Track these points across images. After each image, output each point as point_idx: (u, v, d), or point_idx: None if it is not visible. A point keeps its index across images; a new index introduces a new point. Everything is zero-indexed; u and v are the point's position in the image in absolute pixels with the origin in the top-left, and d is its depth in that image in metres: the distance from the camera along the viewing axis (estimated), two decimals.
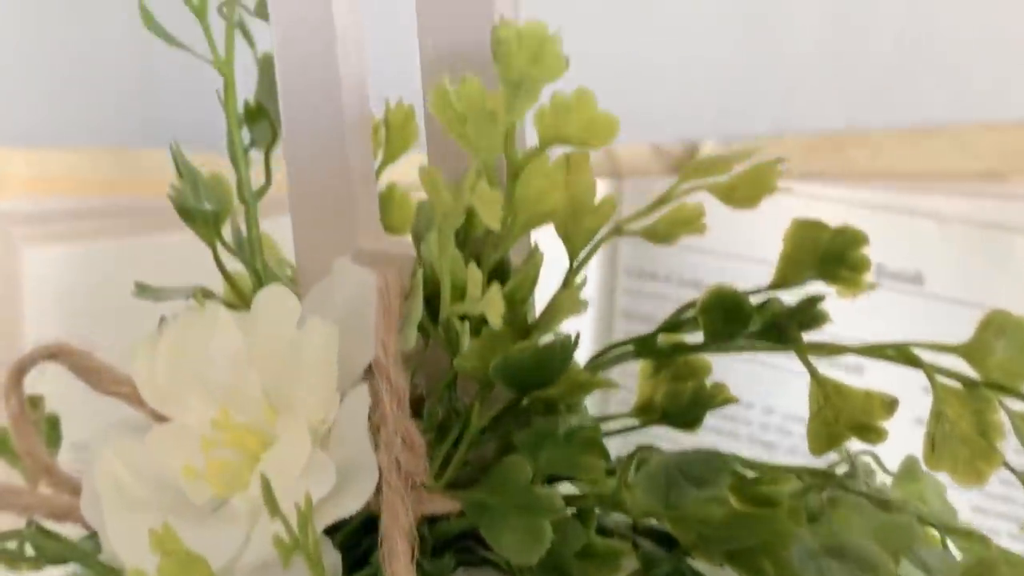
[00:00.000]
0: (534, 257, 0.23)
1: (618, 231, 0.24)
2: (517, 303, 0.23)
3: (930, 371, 0.25)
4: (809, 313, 0.23)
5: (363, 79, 0.29)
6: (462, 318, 0.22)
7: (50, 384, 0.29)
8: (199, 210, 0.27)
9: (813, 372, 0.25)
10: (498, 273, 0.23)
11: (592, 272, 0.53)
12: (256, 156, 0.31)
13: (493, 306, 0.20)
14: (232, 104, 0.30)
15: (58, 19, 0.64)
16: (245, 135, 0.31)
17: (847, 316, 0.46)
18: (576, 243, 0.23)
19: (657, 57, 0.55)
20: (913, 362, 0.25)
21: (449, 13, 0.24)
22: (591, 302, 0.52)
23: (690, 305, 0.24)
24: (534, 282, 0.23)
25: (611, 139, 0.22)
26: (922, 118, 0.50)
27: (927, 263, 0.45)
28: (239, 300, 0.29)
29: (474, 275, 0.21)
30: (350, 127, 0.28)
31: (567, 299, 0.22)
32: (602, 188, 0.54)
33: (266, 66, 0.32)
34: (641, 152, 0.55)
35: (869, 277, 0.24)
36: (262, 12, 0.33)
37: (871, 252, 0.46)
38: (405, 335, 0.23)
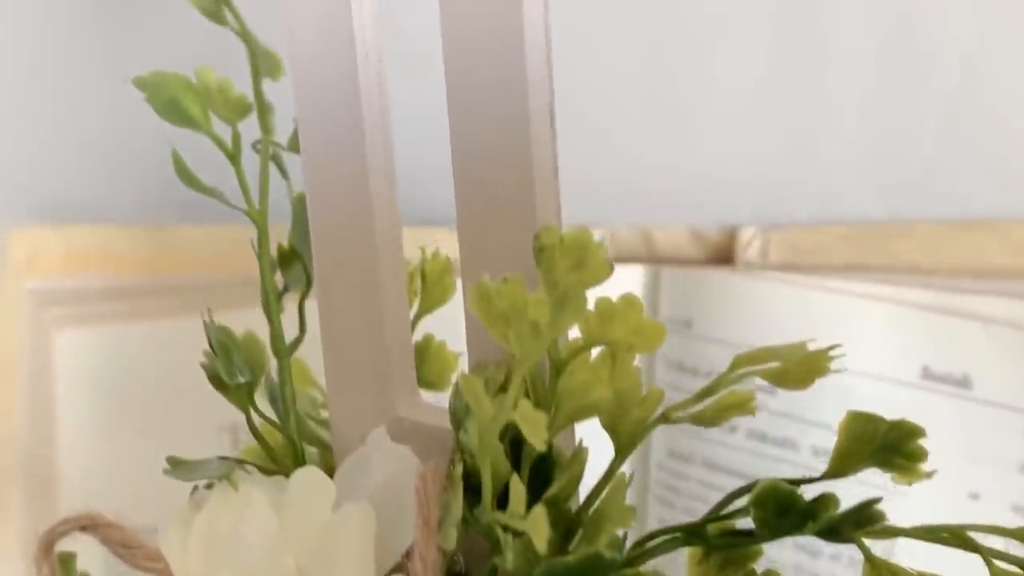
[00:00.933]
0: (579, 456, 0.22)
1: (665, 419, 0.23)
2: (561, 502, 0.22)
3: (987, 555, 0.24)
4: (865, 514, 0.22)
5: (396, 230, 0.28)
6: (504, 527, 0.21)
7: None
8: (233, 383, 0.26)
9: (867, 555, 0.24)
10: (541, 463, 0.23)
11: None
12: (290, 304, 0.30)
13: (538, 530, 0.19)
14: (265, 252, 0.30)
15: (92, 95, 0.64)
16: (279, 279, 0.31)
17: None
18: (623, 435, 0.23)
19: (696, 140, 0.54)
20: (969, 546, 0.24)
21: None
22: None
23: (740, 492, 0.24)
24: (578, 481, 0.22)
25: (658, 344, 0.21)
26: (965, 211, 0.49)
27: (975, 367, 0.44)
28: (274, 462, 0.28)
29: (517, 490, 0.20)
30: (385, 279, 0.28)
31: (614, 508, 0.21)
32: (638, 275, 0.53)
33: (299, 207, 0.31)
34: (679, 235, 0.54)
35: (926, 466, 0.23)
36: (295, 146, 0.32)
37: (917, 352, 0.45)
38: (445, 534, 0.22)
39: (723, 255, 0.53)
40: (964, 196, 0.49)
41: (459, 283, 0.26)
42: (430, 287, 0.29)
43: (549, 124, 0.22)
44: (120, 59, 0.64)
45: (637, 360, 0.52)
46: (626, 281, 0.52)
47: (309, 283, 0.30)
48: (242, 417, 0.45)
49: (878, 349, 0.46)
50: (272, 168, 0.32)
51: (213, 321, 0.28)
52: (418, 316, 0.29)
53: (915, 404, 0.45)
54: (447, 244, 0.54)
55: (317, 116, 0.27)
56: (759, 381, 0.48)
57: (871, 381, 0.46)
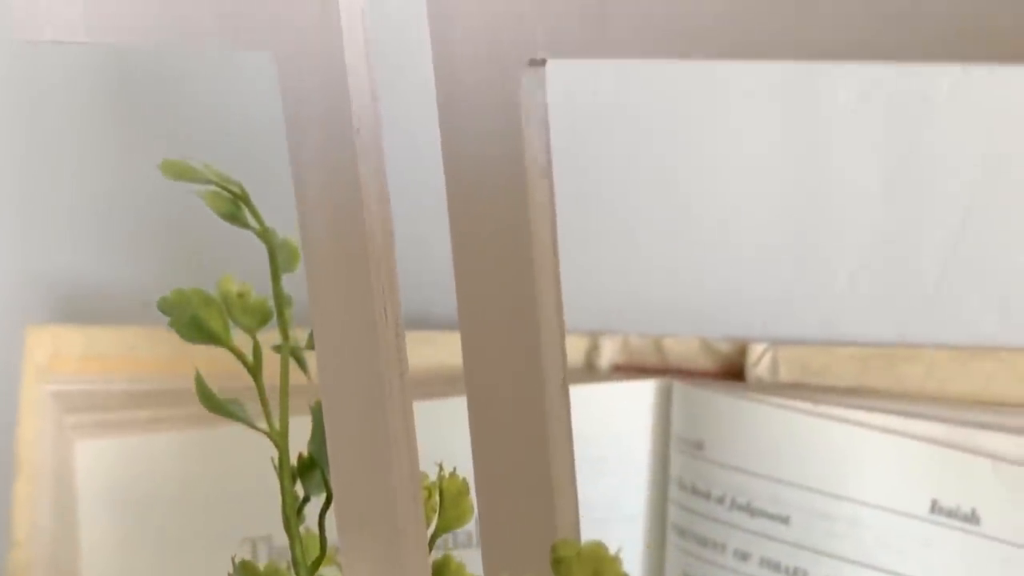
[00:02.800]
0: None
1: None
2: None
3: None
4: None
5: (411, 440, 0.29)
6: None
7: None
8: None
9: None
10: None
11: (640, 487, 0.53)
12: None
13: None
14: (286, 471, 0.30)
15: (112, 194, 0.65)
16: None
17: (904, 552, 0.46)
18: None
19: (710, 255, 0.55)
20: None
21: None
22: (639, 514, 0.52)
23: None
24: None
25: None
26: (971, 338, 0.49)
27: (983, 503, 0.45)
28: None
29: None
30: (402, 498, 0.28)
31: None
32: (650, 391, 0.54)
33: (318, 414, 0.32)
34: (690, 345, 0.55)
35: None
36: (313, 344, 0.33)
37: (926, 485, 0.46)
38: None
39: (734, 368, 0.54)
40: (969, 324, 0.49)
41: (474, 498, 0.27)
42: (447, 507, 0.30)
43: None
44: (147, 159, 0.64)
45: (650, 478, 0.53)
46: (638, 397, 0.53)
47: (329, 498, 0.31)
48: (263, 530, 0.45)
49: (888, 481, 0.47)
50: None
51: (235, 562, 0.29)
52: (435, 535, 0.30)
53: (923, 538, 0.46)
54: (445, 348, 0.55)
55: (331, 317, 0.27)
56: (773, 509, 0.49)
57: (881, 513, 0.47)
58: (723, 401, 0.50)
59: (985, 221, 0.48)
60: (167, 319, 0.66)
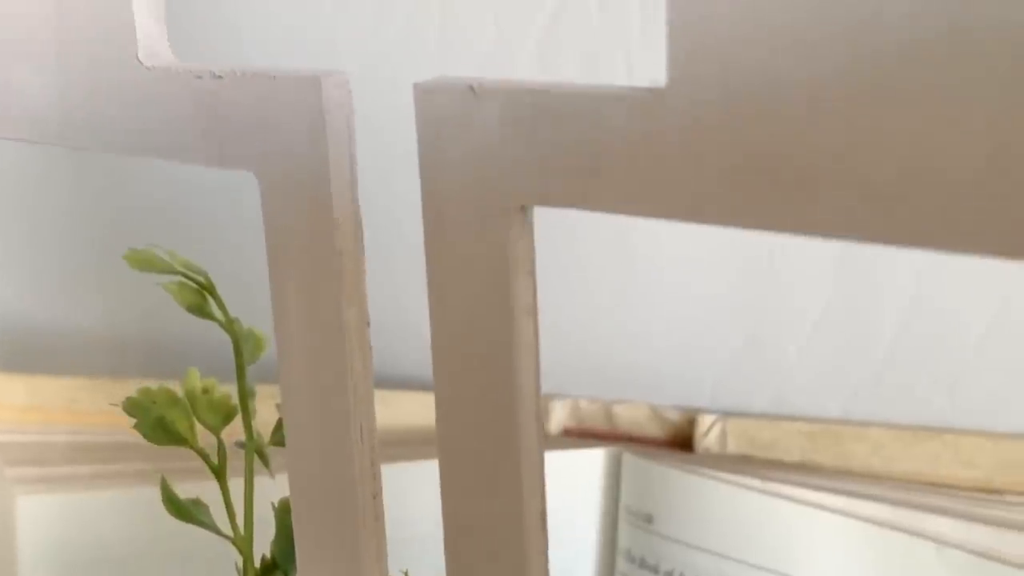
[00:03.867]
0: None
1: None
2: None
3: None
4: None
5: (382, 558, 0.29)
6: None
7: None
8: None
9: None
10: None
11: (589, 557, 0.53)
12: None
13: None
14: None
15: (57, 240, 0.64)
16: None
17: None
18: None
19: (660, 318, 0.56)
20: None
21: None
22: None
23: None
24: None
25: None
26: (917, 418, 0.50)
27: None
28: None
29: None
30: None
31: None
32: (599, 459, 0.54)
33: (284, 515, 0.32)
34: (640, 412, 0.55)
35: None
36: (278, 440, 0.33)
37: (871, 568, 0.47)
38: None
39: (682, 437, 0.55)
40: (917, 403, 0.50)
41: None
42: None
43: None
44: (94, 206, 0.64)
45: (599, 550, 0.53)
46: (588, 465, 0.53)
47: None
48: None
49: (833, 561, 0.47)
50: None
51: None
52: None
53: None
54: (417, 408, 0.55)
55: (306, 438, 0.27)
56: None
57: None
58: (673, 474, 0.50)
59: (934, 301, 0.49)
60: (110, 368, 0.65)
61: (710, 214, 0.20)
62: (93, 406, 0.61)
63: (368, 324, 0.25)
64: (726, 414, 0.53)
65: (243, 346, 0.34)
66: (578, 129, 0.21)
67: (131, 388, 0.61)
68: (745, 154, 0.20)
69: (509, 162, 0.22)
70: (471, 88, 0.22)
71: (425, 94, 0.23)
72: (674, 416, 0.55)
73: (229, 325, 0.33)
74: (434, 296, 0.23)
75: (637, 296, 0.55)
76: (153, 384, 0.62)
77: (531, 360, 0.23)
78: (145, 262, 0.33)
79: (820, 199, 0.19)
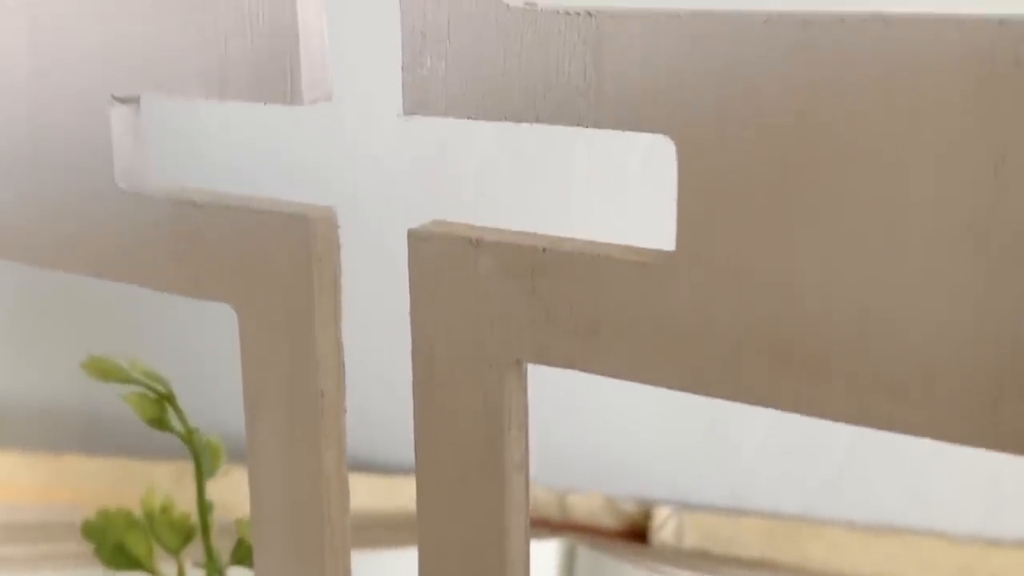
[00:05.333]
0: None
1: None
2: None
3: None
4: None
5: None
6: None
7: None
8: None
9: None
10: None
11: None
12: None
13: None
14: None
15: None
16: None
17: None
18: None
19: (619, 408, 0.55)
20: None
21: None
22: None
23: None
24: None
25: None
26: (876, 517, 0.50)
27: None
28: None
29: None
30: None
31: None
32: (553, 552, 0.53)
33: None
34: (595, 502, 0.54)
35: None
36: (242, 557, 0.32)
37: None
38: None
39: (638, 530, 0.54)
40: (876, 502, 0.50)
41: None
42: None
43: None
44: (34, 277, 0.62)
45: None
46: (541, 558, 0.52)
47: None
48: None
49: None
50: None
51: None
52: None
53: None
54: (405, 492, 0.54)
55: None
56: None
57: None
58: (629, 571, 0.50)
59: None
60: (50, 444, 0.63)
61: (713, 388, 0.20)
62: (32, 482, 0.59)
63: (346, 473, 0.24)
64: (683, 507, 0.53)
65: (203, 459, 0.32)
66: (579, 289, 0.21)
67: (70, 463, 0.59)
68: (752, 329, 0.19)
69: (506, 317, 0.21)
70: (470, 240, 0.22)
71: (420, 242, 0.22)
72: (630, 508, 0.54)
73: (189, 437, 0.32)
74: (421, 445, 0.22)
75: (594, 384, 0.55)
76: (92, 461, 0.60)
77: (521, 518, 0.22)
78: (104, 371, 0.32)
79: (829, 384, 0.19)
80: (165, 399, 0.32)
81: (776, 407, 0.19)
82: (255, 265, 0.24)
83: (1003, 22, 0.17)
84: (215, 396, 0.50)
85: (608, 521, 0.55)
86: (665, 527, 0.53)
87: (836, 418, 0.19)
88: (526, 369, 0.22)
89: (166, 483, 0.58)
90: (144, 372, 0.33)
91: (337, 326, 0.24)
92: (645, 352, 0.20)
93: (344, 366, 0.24)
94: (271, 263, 0.24)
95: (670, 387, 0.20)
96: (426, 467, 0.23)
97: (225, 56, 0.23)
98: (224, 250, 0.24)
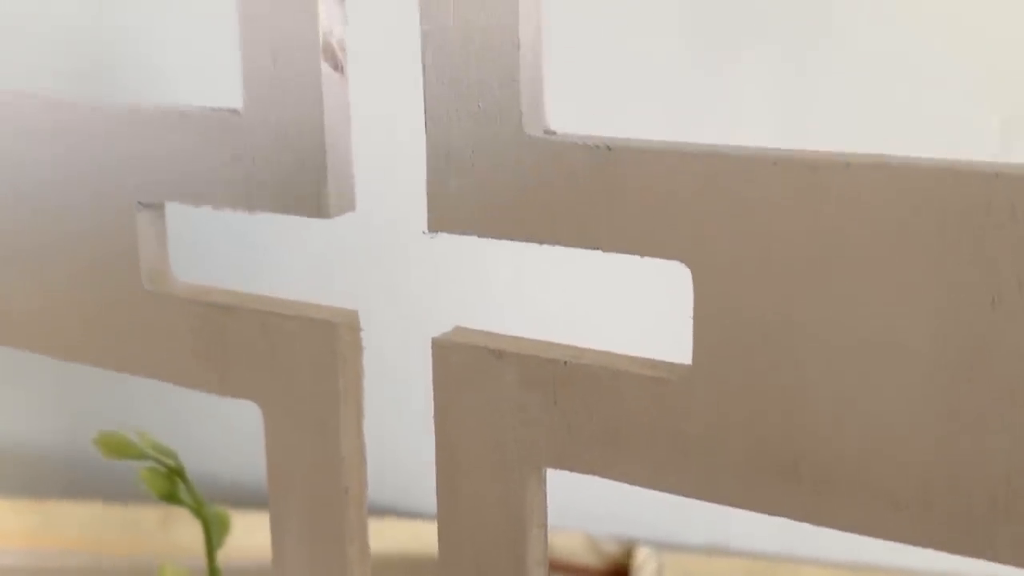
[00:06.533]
0: None
1: None
2: None
3: None
4: None
5: None
6: None
7: None
8: None
9: None
10: None
11: None
12: None
13: None
14: None
15: None
16: None
17: None
18: None
19: None
20: None
21: None
22: None
23: None
24: None
25: None
26: (854, 557, 0.52)
27: None
28: None
29: None
30: None
31: None
32: None
33: None
34: (576, 541, 0.56)
35: None
36: None
37: None
38: None
39: (619, 569, 0.55)
40: (854, 542, 0.52)
41: None
42: None
43: None
44: None
45: None
46: None
47: None
48: None
49: None
50: None
51: None
52: None
53: None
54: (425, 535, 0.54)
55: None
56: None
57: None
58: None
59: None
60: (34, 489, 0.63)
61: (727, 497, 0.21)
62: (18, 526, 0.60)
63: (369, 563, 0.25)
64: (664, 547, 0.54)
65: (212, 530, 0.33)
66: (599, 401, 0.22)
67: (56, 508, 0.59)
68: (764, 443, 0.21)
69: (528, 425, 0.23)
70: (493, 351, 0.23)
71: (443, 350, 0.23)
72: (611, 547, 0.55)
73: (199, 509, 0.33)
74: (444, 543, 0.24)
75: None
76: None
77: None
78: (116, 448, 0.33)
79: (836, 496, 0.20)
80: (175, 473, 0.33)
81: (787, 516, 0.21)
82: (280, 366, 0.25)
83: (999, 175, 0.18)
84: (191, 433, 0.51)
85: (589, 560, 0.56)
86: (646, 567, 0.54)
87: (842, 528, 0.20)
88: (546, 472, 0.23)
89: (152, 528, 0.58)
90: (153, 446, 0.33)
91: (360, 425, 0.25)
92: (662, 461, 0.22)
93: (367, 463, 0.25)
94: (296, 365, 0.25)
95: (686, 495, 0.22)
96: (448, 565, 0.24)
97: (252, 169, 0.24)
98: (249, 351, 0.26)
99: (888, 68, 0.44)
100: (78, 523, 0.59)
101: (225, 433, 0.58)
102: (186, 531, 0.57)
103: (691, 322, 0.21)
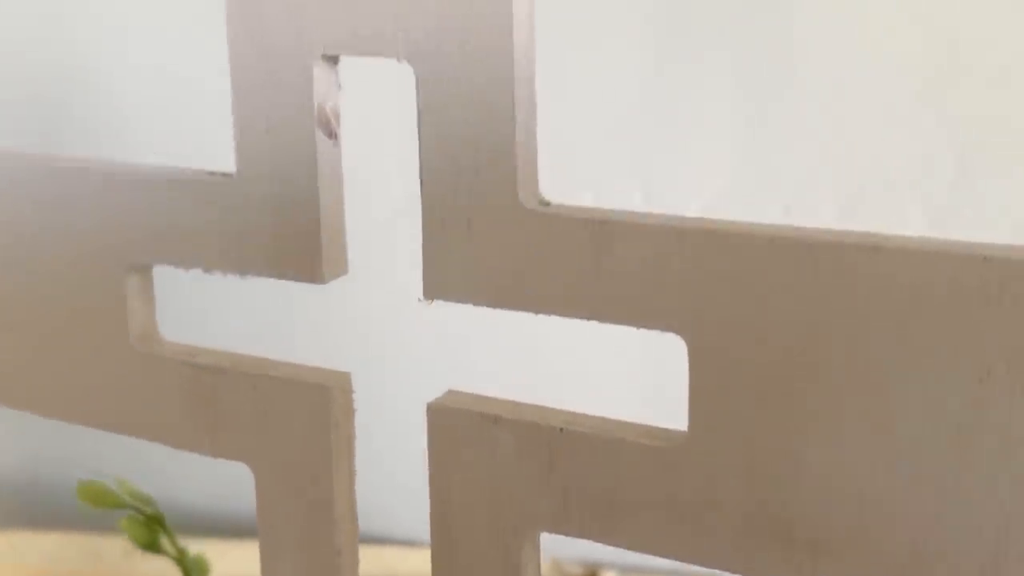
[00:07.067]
0: None
1: None
2: None
3: None
4: None
5: None
6: None
7: None
8: None
9: None
10: None
11: None
12: None
13: None
14: None
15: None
16: None
17: None
18: None
19: None
20: None
21: None
22: None
23: None
24: None
25: None
26: None
27: None
28: None
29: None
30: None
31: None
32: None
33: None
34: (542, 566, 0.56)
35: None
36: None
37: None
38: None
39: None
40: None
41: None
42: None
43: None
44: None
45: None
46: None
47: None
48: None
49: None
50: None
51: None
52: None
53: None
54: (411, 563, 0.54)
55: None
56: None
57: None
58: None
59: None
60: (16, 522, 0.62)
61: (723, 563, 0.22)
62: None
63: None
64: (628, 570, 0.55)
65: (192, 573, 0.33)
66: (596, 468, 0.22)
67: (17, 539, 0.59)
68: (759, 510, 0.21)
69: (524, 490, 0.23)
70: (489, 417, 0.23)
71: (438, 415, 0.24)
72: (576, 571, 0.56)
73: (180, 557, 0.33)
74: None
75: None
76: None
77: None
78: (96, 497, 0.33)
79: (831, 563, 0.21)
80: (155, 521, 0.33)
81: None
82: (272, 429, 0.25)
83: (987, 259, 0.19)
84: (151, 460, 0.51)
85: None
86: None
87: None
88: (540, 536, 0.24)
89: (114, 558, 0.58)
90: (132, 494, 0.33)
91: (352, 488, 0.25)
92: (658, 527, 0.22)
93: (358, 526, 0.26)
94: (289, 427, 0.25)
95: (682, 560, 0.22)
96: None
97: (244, 233, 0.25)
98: (240, 413, 0.26)
99: (847, 103, 0.45)
100: (40, 552, 0.59)
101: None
102: (149, 563, 0.57)
103: (686, 388, 0.22)
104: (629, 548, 0.22)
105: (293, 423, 0.25)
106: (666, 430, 0.22)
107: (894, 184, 0.45)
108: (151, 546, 0.33)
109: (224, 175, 0.25)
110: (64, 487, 0.61)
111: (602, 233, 0.22)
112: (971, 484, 0.20)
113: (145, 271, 0.26)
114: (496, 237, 0.22)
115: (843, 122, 0.45)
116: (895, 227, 0.44)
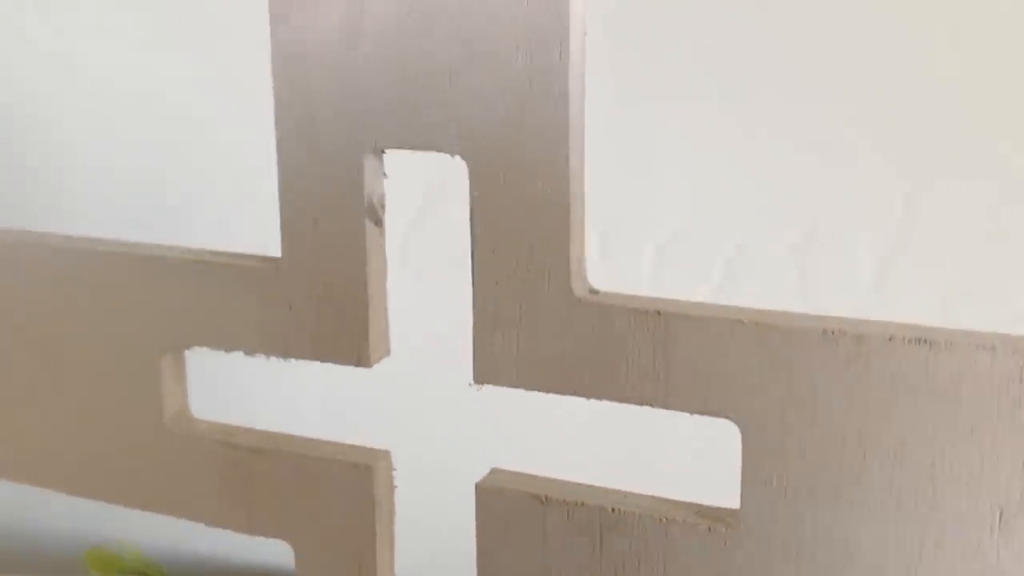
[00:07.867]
0: None
1: None
2: None
3: None
4: None
5: None
6: None
7: None
8: None
9: None
10: None
11: None
12: None
13: None
14: None
15: None
16: None
17: None
18: None
19: None
20: None
21: None
22: None
23: None
24: None
25: None
26: None
27: None
28: None
29: None
30: None
31: None
32: None
33: None
34: None
35: None
36: None
37: None
38: None
39: None
40: None
41: None
42: None
43: None
44: None
45: None
46: None
47: None
48: None
49: None
50: None
51: None
52: None
53: None
54: None
55: None
56: None
57: None
58: None
59: None
60: None
61: None
62: None
63: None
64: None
65: None
66: (646, 547, 0.23)
67: None
68: None
69: (573, 571, 0.24)
70: (538, 497, 0.24)
71: (487, 495, 0.24)
72: None
73: None
74: None
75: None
76: None
77: None
78: (105, 564, 0.32)
79: None
80: None
81: None
82: (313, 507, 0.26)
83: (1015, 351, 0.20)
84: None
85: None
86: None
87: None
88: None
89: None
90: (140, 560, 0.33)
91: (392, 566, 0.26)
92: None
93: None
94: (330, 506, 0.26)
95: None
96: None
97: (289, 317, 0.25)
98: (280, 492, 0.26)
99: (797, 143, 0.46)
100: None
101: None
102: None
103: (736, 470, 0.22)
104: None
105: (335, 502, 0.25)
106: (716, 509, 0.23)
107: (845, 223, 0.46)
108: None
109: (270, 260, 0.25)
110: (40, 531, 0.60)
111: (656, 324, 0.22)
112: (1014, 562, 0.21)
113: (179, 352, 0.26)
114: (547, 325, 0.23)
115: (795, 161, 0.46)
116: (845, 265, 0.46)
